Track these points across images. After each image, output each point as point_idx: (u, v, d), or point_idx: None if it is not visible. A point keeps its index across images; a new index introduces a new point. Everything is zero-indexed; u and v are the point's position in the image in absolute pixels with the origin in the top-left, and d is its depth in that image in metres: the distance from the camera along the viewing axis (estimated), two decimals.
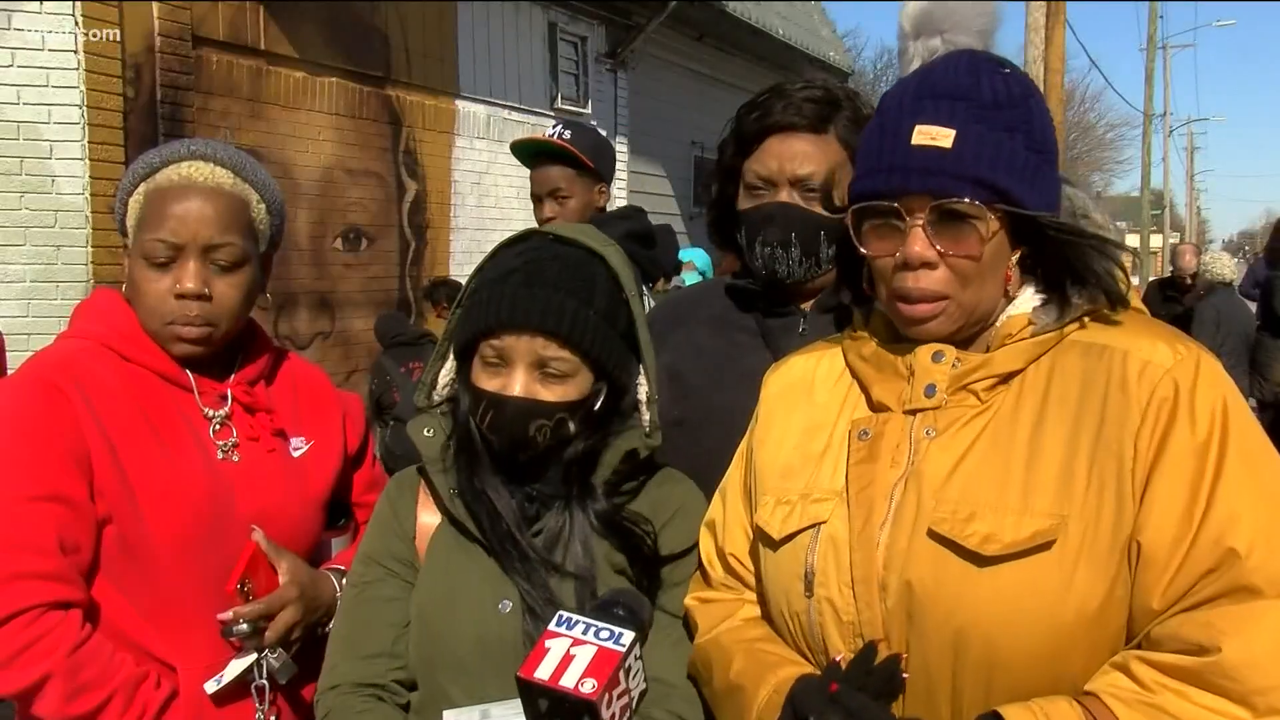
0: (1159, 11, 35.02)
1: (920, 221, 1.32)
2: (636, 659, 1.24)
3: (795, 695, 1.31)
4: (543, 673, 1.18)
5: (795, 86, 1.96)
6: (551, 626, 1.23)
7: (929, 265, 1.33)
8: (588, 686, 1.17)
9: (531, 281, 1.56)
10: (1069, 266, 1.36)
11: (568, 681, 1.17)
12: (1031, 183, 1.33)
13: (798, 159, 1.90)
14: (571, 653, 1.20)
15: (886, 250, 1.37)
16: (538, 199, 3.29)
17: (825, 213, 1.87)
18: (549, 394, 1.56)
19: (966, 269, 1.33)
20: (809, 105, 1.91)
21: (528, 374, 1.56)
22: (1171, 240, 38.58)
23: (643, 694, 1.32)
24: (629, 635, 1.22)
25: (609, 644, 1.21)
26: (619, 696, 1.20)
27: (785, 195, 1.91)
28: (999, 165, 1.31)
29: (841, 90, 1.98)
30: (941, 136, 1.32)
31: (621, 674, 1.20)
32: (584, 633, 1.22)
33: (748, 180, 1.96)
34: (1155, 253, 38.17)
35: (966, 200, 1.30)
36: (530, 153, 3.33)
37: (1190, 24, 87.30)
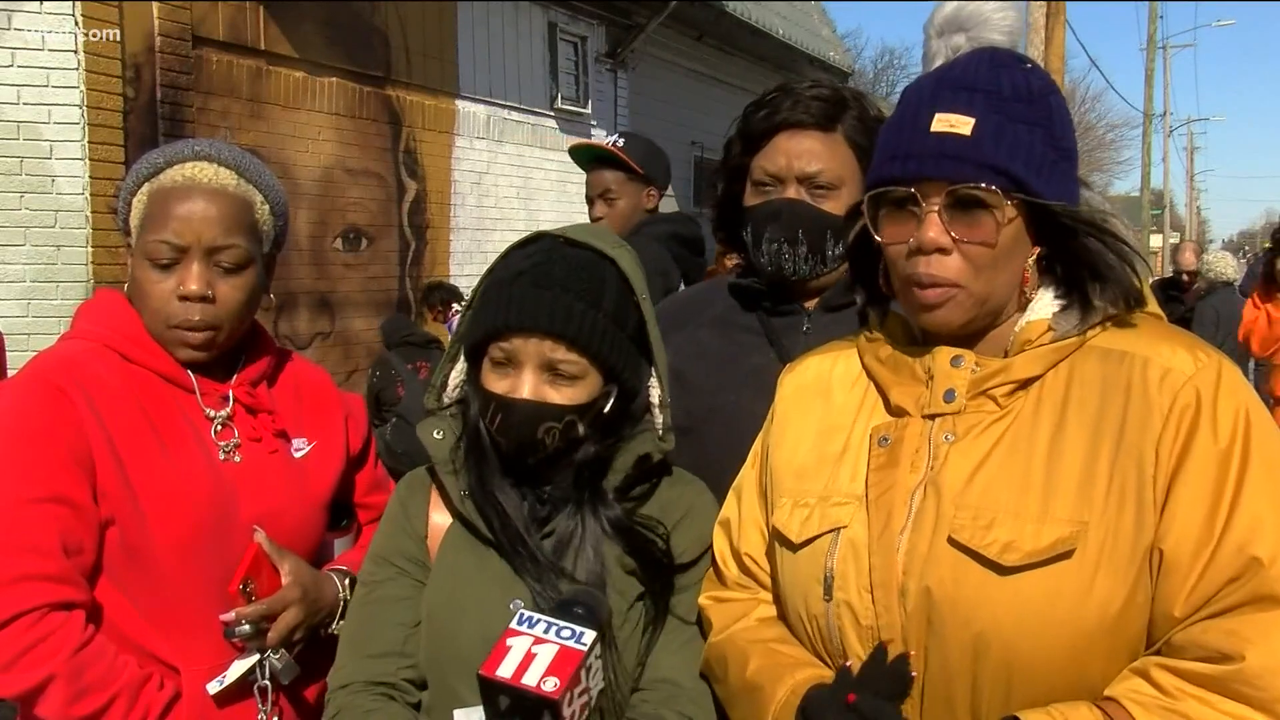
0: (1159, 11, 35.05)
1: (936, 207, 1.32)
2: (597, 658, 1.25)
3: (808, 706, 1.31)
4: (505, 670, 1.18)
5: (803, 85, 1.97)
6: (513, 625, 1.23)
7: (943, 251, 1.33)
8: (550, 685, 1.17)
9: (540, 283, 1.56)
10: (1088, 264, 1.35)
11: (530, 680, 1.18)
12: (1049, 177, 1.33)
13: (806, 156, 1.91)
14: (533, 651, 1.20)
15: (901, 236, 1.36)
16: (590, 200, 3.65)
17: (832, 211, 1.88)
18: (558, 396, 1.56)
19: (980, 256, 1.33)
20: (817, 104, 1.92)
21: (536, 376, 1.56)
22: (1171, 240, 38.57)
23: (600, 692, 1.34)
24: (590, 634, 1.22)
25: (571, 643, 1.21)
26: (579, 695, 1.21)
27: (793, 192, 1.92)
28: (1017, 155, 1.31)
29: (849, 91, 1.99)
30: (961, 124, 1.32)
31: (583, 673, 1.21)
32: (546, 631, 1.22)
33: (755, 177, 1.96)
34: (1155, 253, 38.18)
35: (984, 186, 1.30)
36: (587, 158, 3.69)
37: (1190, 24, 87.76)
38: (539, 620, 1.23)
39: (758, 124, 1.96)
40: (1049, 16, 10.85)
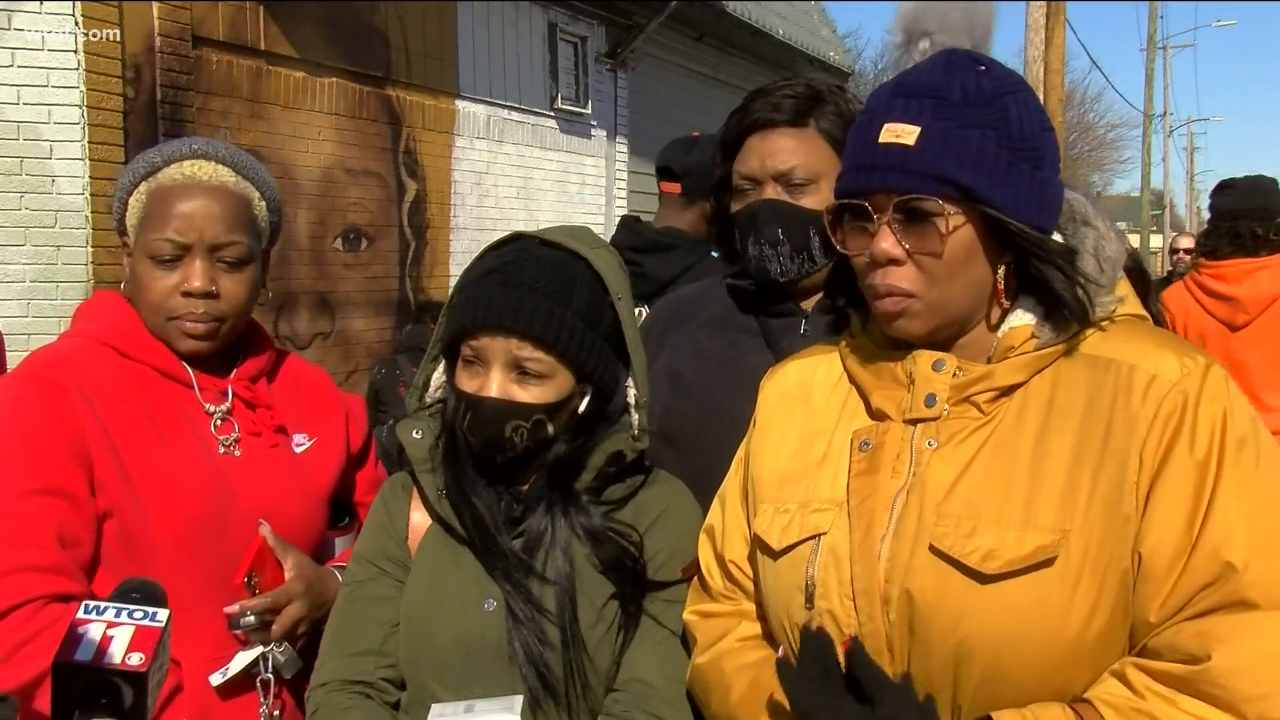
0: (1159, 11, 35.05)
1: (886, 219, 1.33)
2: (168, 635, 1.26)
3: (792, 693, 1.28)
4: (84, 654, 1.19)
5: (776, 84, 1.96)
6: (80, 615, 1.24)
7: (895, 262, 1.33)
8: (135, 659, 1.18)
9: (507, 281, 1.57)
10: (1041, 281, 1.34)
11: (113, 658, 1.18)
12: (1003, 181, 1.31)
13: (779, 154, 1.89)
14: (109, 634, 1.21)
15: (860, 248, 1.37)
16: None
17: (812, 206, 1.86)
18: (526, 395, 1.57)
19: (932, 266, 1.32)
20: (788, 101, 1.90)
21: (503, 374, 1.57)
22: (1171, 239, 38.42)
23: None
24: (164, 612, 1.24)
25: (146, 622, 1.23)
26: (158, 670, 1.23)
27: (770, 192, 1.89)
28: (964, 162, 1.30)
29: (825, 85, 1.96)
30: (906, 134, 1.31)
31: (161, 649, 1.22)
32: (117, 615, 1.23)
33: (735, 182, 1.95)
34: (1155, 253, 38.16)
35: (924, 196, 1.30)
36: None
37: (1190, 24, 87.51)
38: (107, 607, 1.24)
39: (733, 129, 1.95)
40: (1049, 16, 10.85)
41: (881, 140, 1.32)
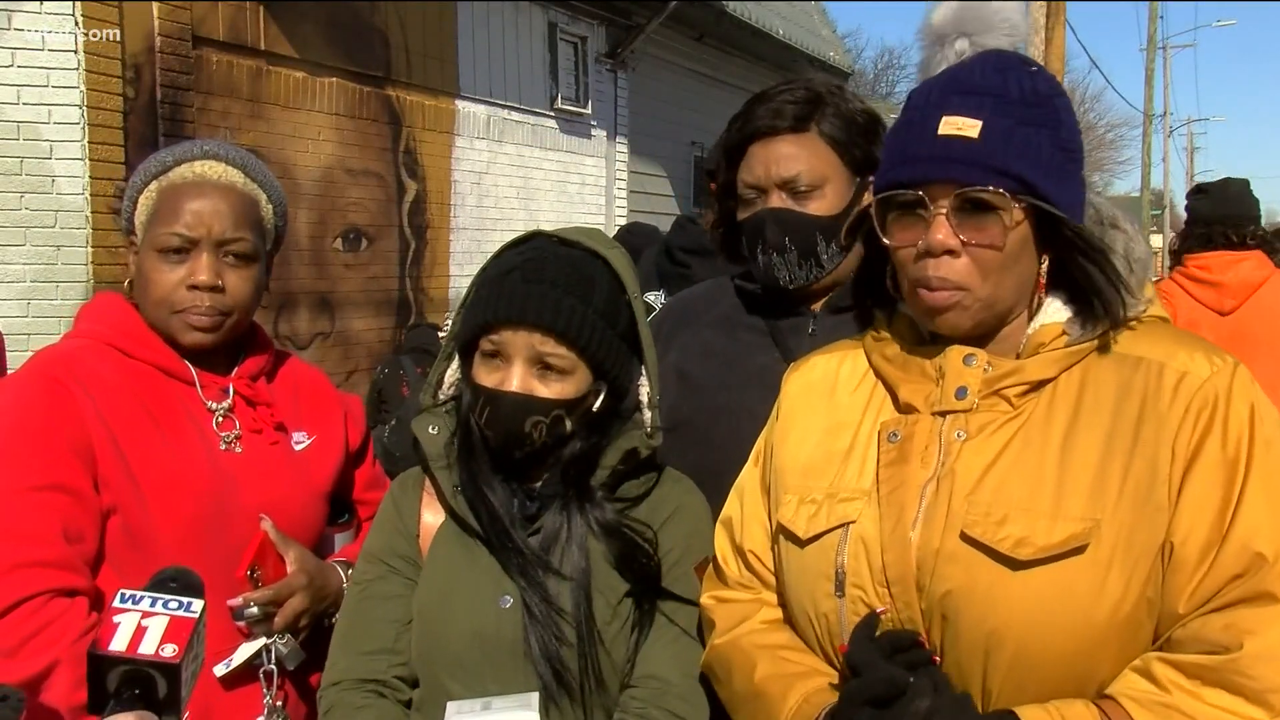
0: (1159, 11, 35.03)
1: (944, 210, 1.33)
2: (203, 625, 1.27)
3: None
4: (118, 645, 1.19)
5: (776, 89, 1.96)
6: (116, 604, 1.25)
7: (951, 253, 1.33)
8: (169, 651, 1.19)
9: (530, 278, 1.58)
10: (1082, 279, 1.36)
11: (147, 649, 1.19)
12: (1057, 180, 1.33)
13: (782, 162, 1.89)
14: (144, 624, 1.22)
15: (909, 240, 1.37)
16: None
17: (818, 211, 1.87)
18: (546, 390, 1.58)
19: (988, 259, 1.33)
20: (789, 106, 1.91)
21: (525, 369, 1.57)
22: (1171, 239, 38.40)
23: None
24: (199, 603, 1.25)
25: (181, 612, 1.24)
26: (193, 660, 1.24)
27: (776, 200, 1.90)
28: (1025, 158, 1.31)
29: (825, 87, 1.96)
30: (968, 127, 1.32)
31: (195, 639, 1.23)
32: (152, 605, 1.24)
33: (740, 191, 1.96)
34: (1155, 253, 38.14)
35: (991, 189, 1.30)
36: None
37: (1190, 24, 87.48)
38: (143, 596, 1.25)
39: (734, 137, 1.96)
40: (1049, 17, 10.85)
41: (942, 132, 1.33)
